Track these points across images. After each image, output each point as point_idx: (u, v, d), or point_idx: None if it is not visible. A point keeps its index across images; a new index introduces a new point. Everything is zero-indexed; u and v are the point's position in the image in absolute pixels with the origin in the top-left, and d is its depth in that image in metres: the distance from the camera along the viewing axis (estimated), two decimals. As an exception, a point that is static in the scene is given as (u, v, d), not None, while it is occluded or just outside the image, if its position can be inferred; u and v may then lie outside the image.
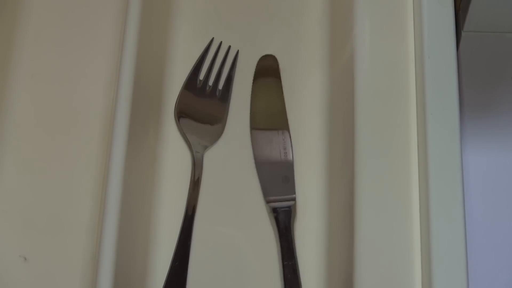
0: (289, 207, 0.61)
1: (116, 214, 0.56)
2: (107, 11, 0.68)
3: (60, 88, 0.66)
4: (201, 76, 0.66)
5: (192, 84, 0.66)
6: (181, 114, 0.65)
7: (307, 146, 0.64)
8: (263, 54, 0.67)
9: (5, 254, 0.61)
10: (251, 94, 0.66)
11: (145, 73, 0.62)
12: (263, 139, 0.64)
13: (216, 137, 0.65)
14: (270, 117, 0.65)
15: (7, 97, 0.65)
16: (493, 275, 0.60)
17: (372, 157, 0.56)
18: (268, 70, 0.67)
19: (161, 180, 0.63)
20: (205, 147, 0.64)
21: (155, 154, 0.64)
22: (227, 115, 0.65)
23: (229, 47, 0.67)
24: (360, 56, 0.59)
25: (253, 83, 0.66)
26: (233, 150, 0.64)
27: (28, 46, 0.67)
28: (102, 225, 0.56)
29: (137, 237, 0.60)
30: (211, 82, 0.66)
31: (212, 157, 0.64)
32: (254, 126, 0.64)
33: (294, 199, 0.62)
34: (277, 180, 0.62)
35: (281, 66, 0.67)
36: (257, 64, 0.67)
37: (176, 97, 0.66)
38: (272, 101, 0.66)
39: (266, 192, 0.62)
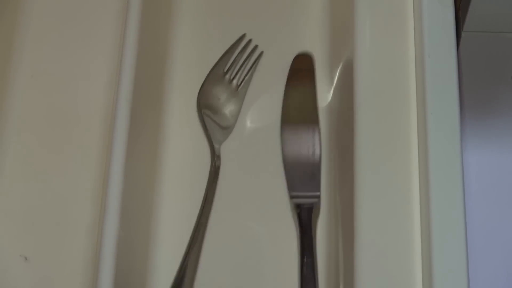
0: (312, 204, 0.61)
1: (116, 214, 0.56)
2: (107, 11, 0.68)
3: (60, 88, 0.66)
4: (226, 71, 0.66)
5: (215, 77, 0.66)
6: (203, 106, 0.65)
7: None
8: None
9: (6, 253, 0.61)
10: (285, 90, 0.65)
11: (145, 73, 0.62)
12: (293, 135, 0.63)
13: (228, 132, 0.65)
14: (301, 112, 0.65)
15: (7, 97, 0.65)
16: (493, 275, 0.60)
17: (372, 157, 0.56)
18: (303, 69, 0.66)
19: (162, 179, 0.63)
20: (221, 141, 0.64)
21: (156, 154, 0.64)
22: (240, 111, 0.66)
23: (256, 46, 0.67)
24: (360, 56, 0.59)
25: (287, 80, 0.66)
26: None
27: (28, 46, 0.67)
28: (103, 225, 0.56)
29: (138, 237, 0.60)
30: (233, 78, 0.66)
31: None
32: (285, 121, 0.64)
33: (318, 197, 0.62)
34: (303, 176, 0.62)
35: (281, 66, 0.67)
36: (293, 62, 0.66)
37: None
38: (305, 98, 0.65)
39: (291, 188, 0.62)
